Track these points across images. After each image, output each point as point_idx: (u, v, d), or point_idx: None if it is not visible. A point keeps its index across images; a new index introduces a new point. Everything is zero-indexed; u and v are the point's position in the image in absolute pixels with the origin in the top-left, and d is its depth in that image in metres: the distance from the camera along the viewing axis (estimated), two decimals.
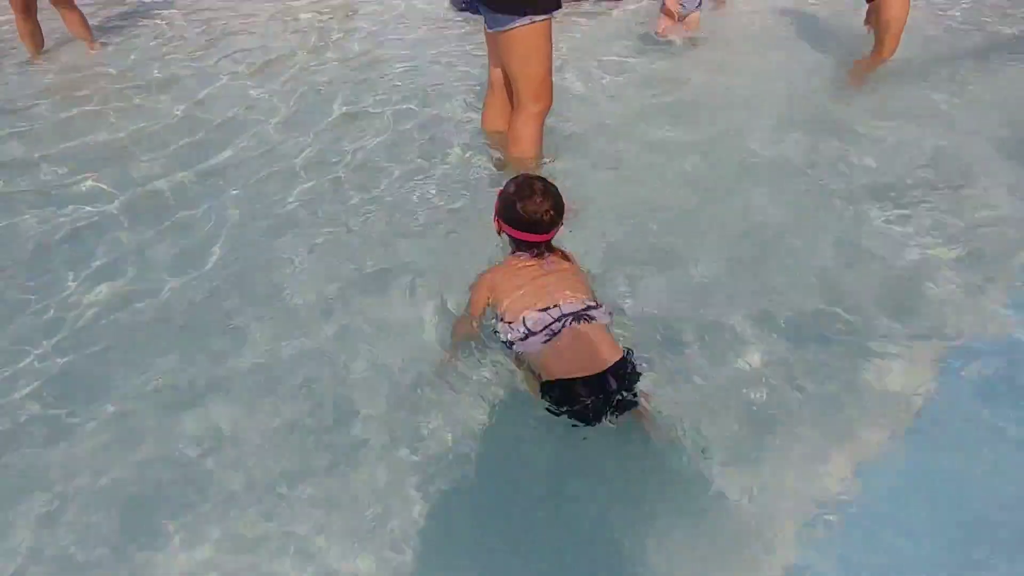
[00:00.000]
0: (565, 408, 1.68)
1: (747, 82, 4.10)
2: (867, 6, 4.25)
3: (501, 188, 1.92)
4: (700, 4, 4.59)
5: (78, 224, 2.86)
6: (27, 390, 2.03)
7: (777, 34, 5.00)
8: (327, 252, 2.65)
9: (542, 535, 1.64)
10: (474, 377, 1.96)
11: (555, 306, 1.75)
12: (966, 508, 1.65)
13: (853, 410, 1.90)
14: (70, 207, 2.98)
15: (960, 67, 4.21)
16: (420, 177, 3.13)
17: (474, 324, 1.95)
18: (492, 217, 1.96)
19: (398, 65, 4.72)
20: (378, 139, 3.54)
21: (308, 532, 1.64)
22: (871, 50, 4.06)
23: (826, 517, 1.63)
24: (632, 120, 3.61)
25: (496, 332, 1.86)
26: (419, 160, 3.29)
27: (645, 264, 2.46)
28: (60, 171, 3.32)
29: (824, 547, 1.59)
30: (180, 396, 2.01)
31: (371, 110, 3.93)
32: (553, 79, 2.80)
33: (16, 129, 3.85)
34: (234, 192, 3.12)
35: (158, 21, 6.59)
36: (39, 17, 5.00)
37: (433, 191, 2.99)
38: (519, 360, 1.88)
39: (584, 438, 1.73)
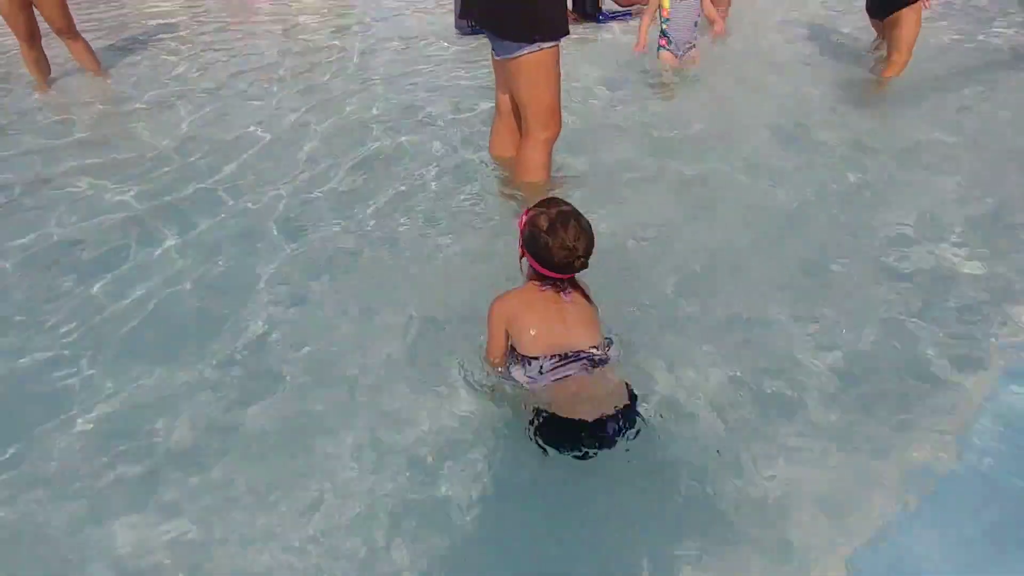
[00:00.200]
0: (555, 443, 1.67)
1: (750, 112, 3.98)
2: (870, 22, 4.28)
3: (530, 213, 1.75)
4: (695, 43, 4.34)
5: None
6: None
7: (778, 59, 4.89)
8: (330, 274, 2.61)
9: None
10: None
11: (572, 352, 1.70)
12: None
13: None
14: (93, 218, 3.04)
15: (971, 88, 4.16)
16: (424, 203, 3.07)
17: (499, 370, 1.87)
18: (510, 242, 1.89)
19: (402, 90, 4.70)
20: (381, 165, 3.50)
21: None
22: (883, 66, 4.05)
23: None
24: (633, 153, 3.47)
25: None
26: (423, 186, 3.23)
27: (653, 298, 2.38)
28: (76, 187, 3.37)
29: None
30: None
31: (375, 135, 3.88)
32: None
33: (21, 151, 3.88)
34: (233, 214, 3.11)
35: (162, 45, 6.65)
36: (46, 46, 5.03)
37: (440, 219, 2.93)
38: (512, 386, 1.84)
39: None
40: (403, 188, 3.22)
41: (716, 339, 2.14)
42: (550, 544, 1.60)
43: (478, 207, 3.00)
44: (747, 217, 2.84)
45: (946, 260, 2.53)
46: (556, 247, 1.66)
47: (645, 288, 2.38)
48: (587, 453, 1.64)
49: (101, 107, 4.78)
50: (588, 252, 1.70)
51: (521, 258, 1.80)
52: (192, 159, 3.70)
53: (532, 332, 1.73)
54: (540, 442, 1.68)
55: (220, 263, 2.70)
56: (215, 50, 6.26)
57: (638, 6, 5.99)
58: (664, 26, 4.15)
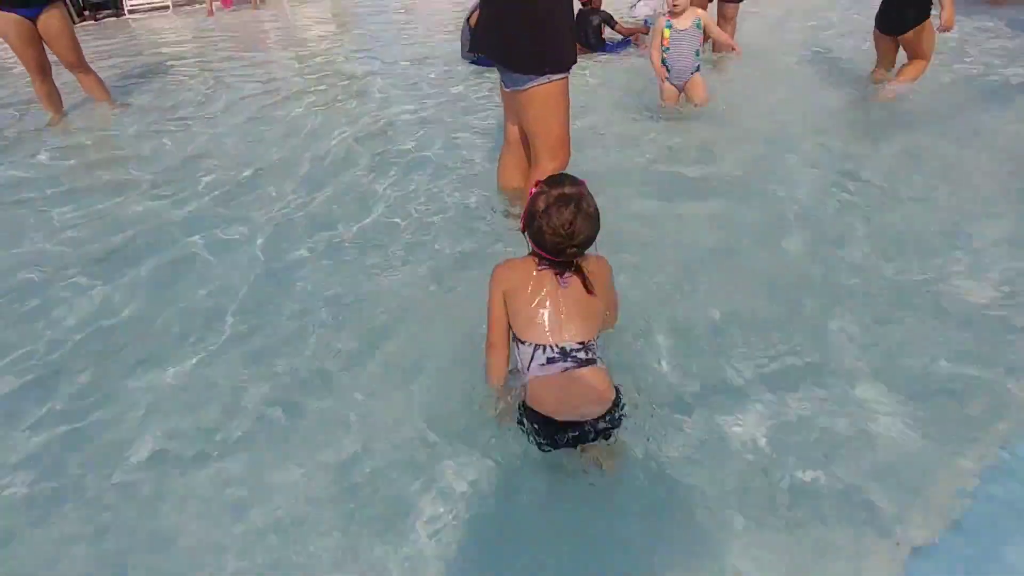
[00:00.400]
0: (536, 430, 1.66)
1: (761, 146, 3.85)
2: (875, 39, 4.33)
3: (537, 188, 1.66)
4: (697, 69, 4.16)
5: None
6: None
7: (781, 84, 4.91)
8: (336, 302, 2.59)
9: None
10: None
11: (558, 348, 1.63)
12: None
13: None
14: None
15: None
16: (431, 233, 3.06)
17: (502, 355, 1.76)
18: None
19: (409, 120, 4.74)
20: (388, 195, 3.50)
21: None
22: (897, 73, 4.22)
23: None
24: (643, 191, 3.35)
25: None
26: (431, 216, 3.21)
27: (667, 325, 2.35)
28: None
29: None
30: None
31: (383, 165, 3.90)
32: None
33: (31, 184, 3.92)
34: (246, 239, 3.15)
35: (173, 73, 6.75)
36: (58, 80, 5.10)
37: (446, 249, 2.92)
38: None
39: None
40: (406, 216, 3.22)
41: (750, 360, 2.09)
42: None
43: (480, 232, 3.00)
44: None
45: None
46: (549, 232, 1.58)
47: (645, 313, 2.34)
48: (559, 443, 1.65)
49: (111, 138, 4.84)
50: (585, 241, 1.61)
51: (522, 232, 1.72)
52: (199, 186, 3.76)
53: (524, 315, 1.67)
54: (523, 427, 1.68)
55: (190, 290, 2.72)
56: (224, 79, 6.36)
57: (638, 34, 6.10)
58: (664, 55, 4.13)
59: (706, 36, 4.15)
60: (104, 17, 11.76)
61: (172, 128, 4.94)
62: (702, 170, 3.45)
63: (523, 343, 1.67)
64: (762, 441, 1.81)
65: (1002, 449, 1.75)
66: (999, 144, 3.60)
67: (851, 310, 2.31)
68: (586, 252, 1.68)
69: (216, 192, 3.68)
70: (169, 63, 7.38)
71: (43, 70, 4.86)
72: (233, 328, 2.47)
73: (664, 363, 2.11)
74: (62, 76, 5.15)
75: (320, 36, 8.79)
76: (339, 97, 5.53)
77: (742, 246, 2.78)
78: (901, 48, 4.27)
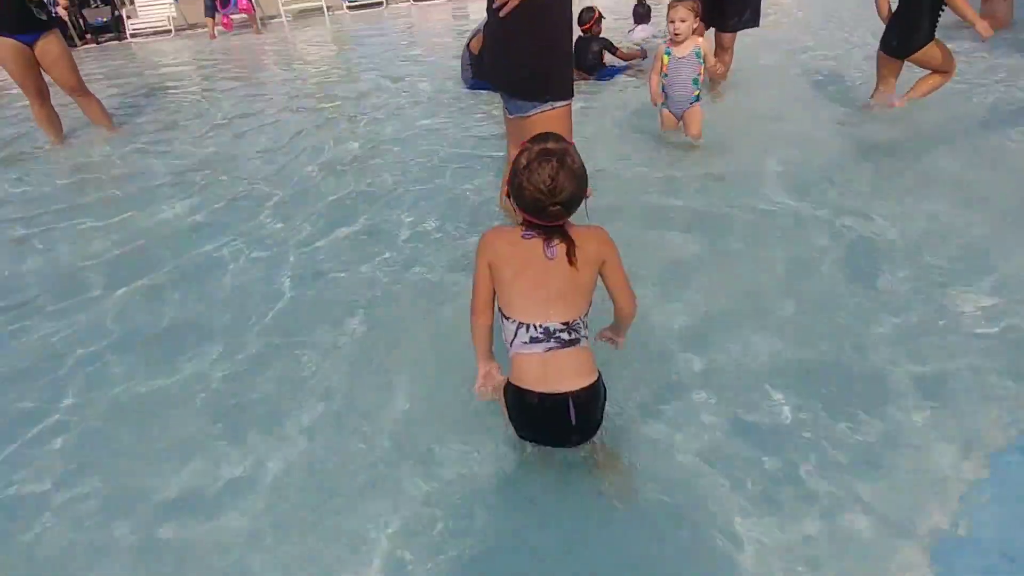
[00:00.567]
0: (515, 415, 1.66)
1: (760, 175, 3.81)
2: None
3: (522, 146, 1.59)
4: (696, 99, 4.04)
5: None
6: None
7: (780, 113, 4.79)
8: (339, 325, 2.56)
9: None
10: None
11: (542, 327, 1.58)
12: None
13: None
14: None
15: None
16: (433, 256, 3.03)
17: (484, 322, 1.71)
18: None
19: (411, 145, 4.71)
20: (391, 220, 3.47)
21: None
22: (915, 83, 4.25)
23: None
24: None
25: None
26: (434, 240, 3.19)
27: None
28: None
29: None
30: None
31: (386, 191, 3.87)
32: None
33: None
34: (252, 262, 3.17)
35: (173, 98, 6.78)
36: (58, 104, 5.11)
37: (448, 273, 2.88)
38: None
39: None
40: (409, 245, 3.18)
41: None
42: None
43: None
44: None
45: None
46: (529, 188, 1.50)
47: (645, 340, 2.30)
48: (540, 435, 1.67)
49: (110, 161, 4.84)
50: (569, 200, 1.51)
51: (507, 197, 1.64)
52: (199, 216, 3.75)
53: (509, 290, 1.61)
54: (505, 407, 1.67)
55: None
56: (224, 104, 6.37)
57: (636, 60, 6.13)
58: (664, 81, 4.10)
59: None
60: (106, 41, 11.84)
61: (169, 149, 4.97)
62: (701, 203, 3.38)
63: (507, 319, 1.63)
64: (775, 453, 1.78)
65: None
66: (1010, 165, 3.57)
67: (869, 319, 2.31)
68: (582, 224, 1.63)
69: (213, 208, 3.78)
70: (170, 86, 7.42)
71: (42, 94, 4.87)
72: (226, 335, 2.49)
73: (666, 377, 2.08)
74: (57, 97, 5.15)
75: (320, 58, 8.85)
76: (338, 118, 5.56)
77: (758, 282, 2.70)
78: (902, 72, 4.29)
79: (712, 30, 5.12)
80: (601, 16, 5.93)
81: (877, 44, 4.34)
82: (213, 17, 11.26)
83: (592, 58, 5.85)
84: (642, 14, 7.13)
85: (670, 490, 1.71)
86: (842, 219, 3.09)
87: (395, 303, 2.69)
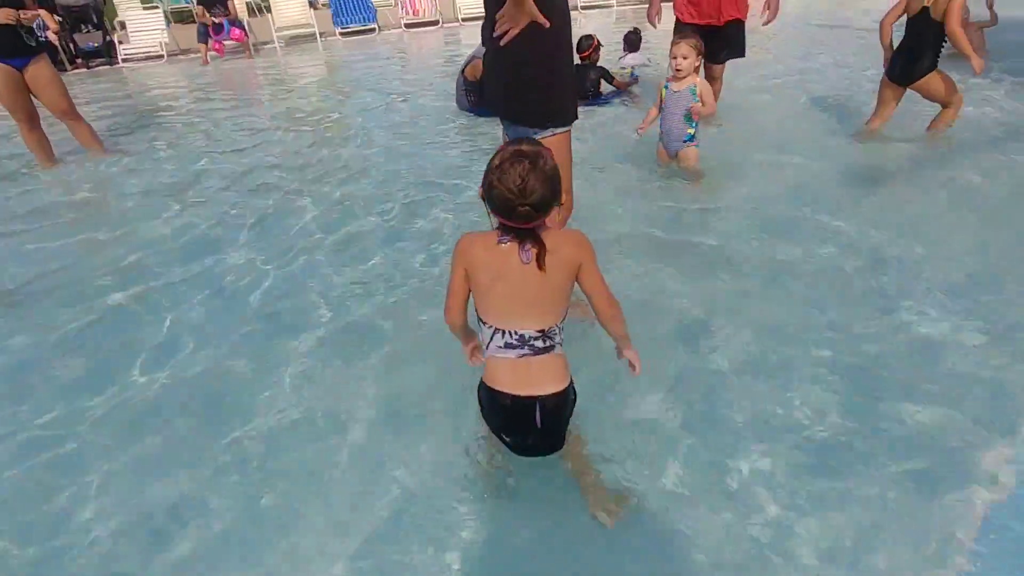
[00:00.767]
0: (487, 414, 1.72)
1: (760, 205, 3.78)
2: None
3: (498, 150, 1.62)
4: (690, 139, 4.01)
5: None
6: None
7: (773, 142, 4.75)
8: (342, 355, 2.56)
9: None
10: None
11: (519, 335, 1.59)
12: None
13: None
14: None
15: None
16: (425, 283, 3.01)
17: (457, 320, 1.74)
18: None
19: (407, 169, 4.69)
20: (386, 244, 3.45)
21: None
22: (936, 117, 4.37)
23: None
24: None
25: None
26: (431, 268, 3.15)
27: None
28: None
29: None
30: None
31: (380, 214, 3.85)
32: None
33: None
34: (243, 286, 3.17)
35: (165, 122, 6.75)
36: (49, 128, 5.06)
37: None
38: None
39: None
40: (401, 272, 3.16)
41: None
42: None
43: None
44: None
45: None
46: (499, 188, 1.49)
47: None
48: (512, 436, 1.70)
49: (100, 185, 4.79)
50: (540, 202, 1.48)
51: (482, 199, 1.61)
52: (185, 238, 3.77)
53: (484, 296, 1.63)
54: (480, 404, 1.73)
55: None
56: (217, 130, 6.34)
57: (631, 88, 6.19)
58: (661, 113, 4.10)
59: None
60: (97, 65, 11.81)
61: (159, 172, 4.93)
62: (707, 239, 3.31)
63: (484, 323, 1.65)
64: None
65: None
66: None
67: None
68: (563, 230, 1.67)
69: (197, 231, 3.81)
70: (161, 108, 7.40)
71: (32, 119, 4.83)
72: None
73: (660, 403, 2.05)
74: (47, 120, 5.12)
75: (313, 82, 8.87)
76: (332, 137, 5.57)
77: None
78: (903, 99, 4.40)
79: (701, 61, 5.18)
80: (599, 44, 6.00)
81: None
82: (206, 43, 11.28)
83: (590, 86, 5.90)
84: (634, 41, 7.21)
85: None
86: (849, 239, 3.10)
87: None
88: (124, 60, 11.89)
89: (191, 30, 11.85)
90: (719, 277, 2.91)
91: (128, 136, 6.17)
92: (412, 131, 5.75)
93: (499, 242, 1.58)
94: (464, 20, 13.18)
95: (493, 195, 1.52)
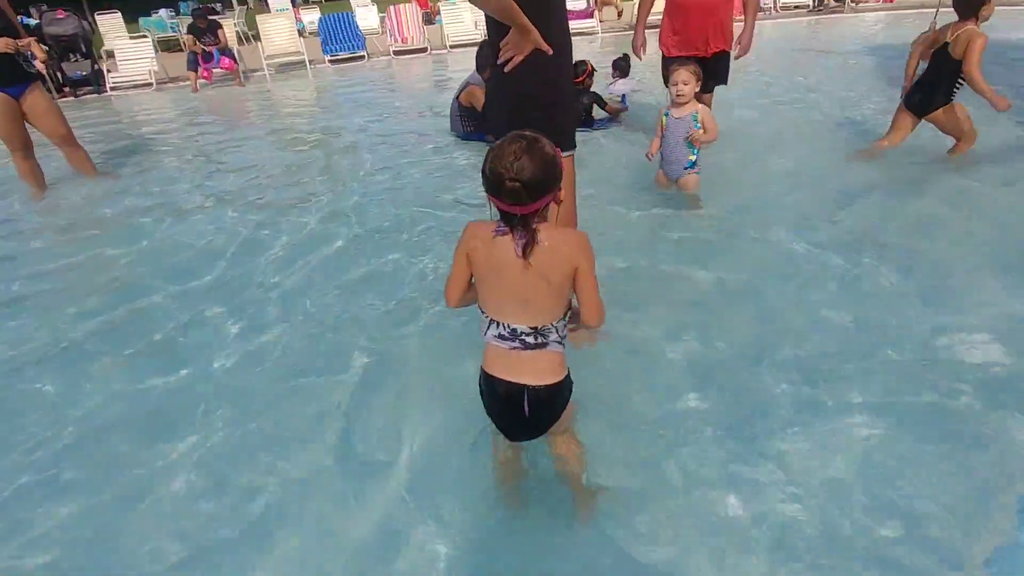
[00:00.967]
0: (485, 400, 1.75)
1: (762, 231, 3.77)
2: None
3: None
4: (691, 166, 4.05)
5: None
6: None
7: (775, 169, 4.76)
8: (336, 359, 2.65)
9: None
10: None
11: (511, 328, 1.63)
12: None
13: None
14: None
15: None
16: (435, 307, 3.02)
17: (457, 301, 1.75)
18: None
19: (403, 194, 4.72)
20: (385, 270, 3.47)
21: None
22: (953, 146, 4.43)
23: None
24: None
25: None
26: (432, 294, 3.16)
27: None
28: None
29: None
30: None
31: (378, 241, 3.87)
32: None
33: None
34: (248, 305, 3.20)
35: (157, 151, 6.73)
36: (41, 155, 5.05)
37: (449, 327, 2.85)
38: None
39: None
40: (405, 290, 3.21)
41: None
42: None
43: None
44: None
45: None
46: (493, 164, 1.48)
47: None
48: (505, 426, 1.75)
49: (95, 204, 4.81)
50: (531, 181, 1.45)
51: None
52: (173, 259, 3.84)
53: (482, 285, 1.67)
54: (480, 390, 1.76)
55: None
56: (208, 155, 6.35)
57: (622, 114, 6.32)
58: (662, 140, 4.09)
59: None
60: (84, 94, 11.80)
61: (149, 191, 5.01)
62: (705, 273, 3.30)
63: (483, 312, 1.70)
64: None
65: None
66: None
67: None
68: (567, 229, 1.71)
69: (189, 251, 3.89)
70: (149, 134, 7.41)
71: (26, 147, 4.81)
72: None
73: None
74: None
75: (303, 108, 8.93)
76: (322, 160, 5.64)
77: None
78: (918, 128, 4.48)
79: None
80: (594, 70, 6.11)
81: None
82: (195, 71, 11.33)
83: (583, 111, 6.00)
84: (623, 67, 7.35)
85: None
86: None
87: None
88: (112, 88, 11.89)
89: (180, 58, 11.88)
90: (715, 303, 2.95)
91: (118, 159, 6.16)
92: (406, 154, 5.80)
93: (496, 232, 1.58)
94: (452, 47, 13.36)
95: (486, 172, 1.51)
